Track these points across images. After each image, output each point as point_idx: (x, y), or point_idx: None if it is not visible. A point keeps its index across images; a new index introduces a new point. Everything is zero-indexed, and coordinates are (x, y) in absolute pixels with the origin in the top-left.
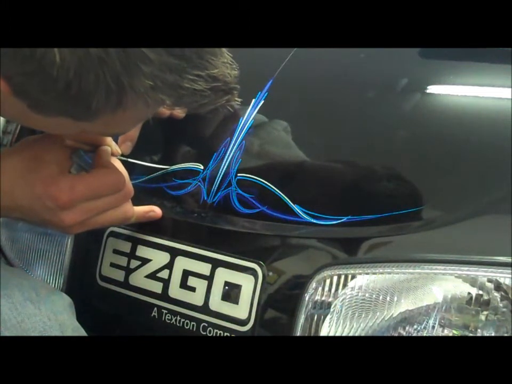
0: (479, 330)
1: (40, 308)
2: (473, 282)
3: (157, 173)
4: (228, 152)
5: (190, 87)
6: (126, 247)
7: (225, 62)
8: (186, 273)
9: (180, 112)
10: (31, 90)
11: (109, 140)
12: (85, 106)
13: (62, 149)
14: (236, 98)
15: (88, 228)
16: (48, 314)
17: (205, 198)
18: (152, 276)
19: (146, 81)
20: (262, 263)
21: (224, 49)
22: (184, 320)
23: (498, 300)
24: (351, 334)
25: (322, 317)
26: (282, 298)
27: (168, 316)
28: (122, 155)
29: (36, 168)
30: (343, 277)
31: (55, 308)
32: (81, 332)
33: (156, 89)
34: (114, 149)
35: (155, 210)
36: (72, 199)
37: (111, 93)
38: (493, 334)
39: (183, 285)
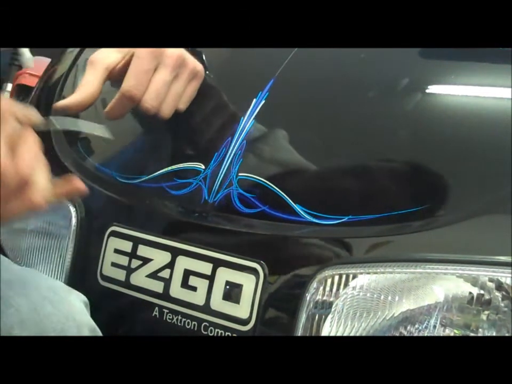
0: (480, 330)
1: (58, 308)
2: (474, 282)
3: (158, 173)
4: (229, 152)
5: None
6: (127, 246)
7: None
8: (187, 273)
9: (165, 113)
10: None
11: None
12: None
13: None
14: None
15: None
16: (66, 314)
17: (206, 198)
18: (153, 275)
19: None
20: (263, 262)
21: None
22: (185, 319)
23: (500, 299)
24: (352, 334)
25: (323, 316)
26: (284, 298)
27: (169, 316)
28: None
29: None
30: (344, 276)
31: (72, 308)
32: (97, 332)
33: None
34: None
35: (73, 181)
36: None
37: None
38: (494, 334)
39: (184, 284)
